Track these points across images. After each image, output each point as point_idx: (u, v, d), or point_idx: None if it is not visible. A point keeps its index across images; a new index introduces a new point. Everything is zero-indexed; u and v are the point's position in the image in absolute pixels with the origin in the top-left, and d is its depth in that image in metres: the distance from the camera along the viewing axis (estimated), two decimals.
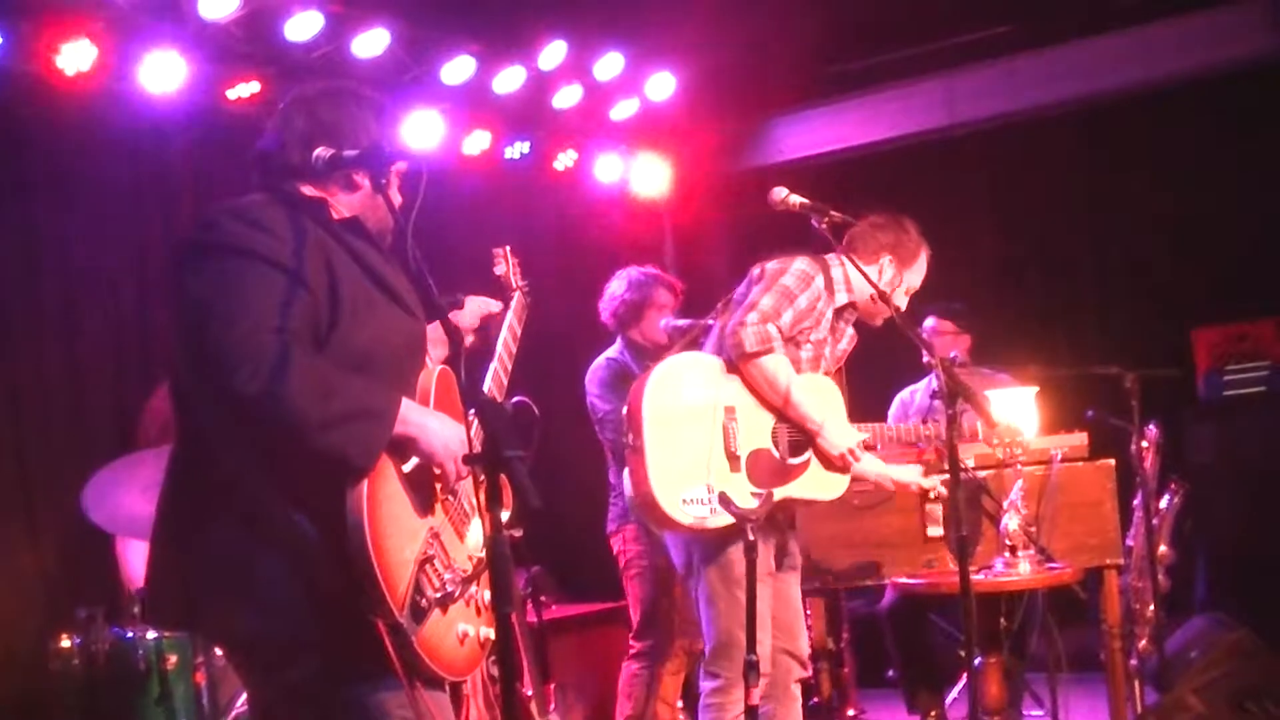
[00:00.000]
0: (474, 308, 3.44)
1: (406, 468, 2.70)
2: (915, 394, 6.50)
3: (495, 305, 3.51)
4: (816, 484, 4.34)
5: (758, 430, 4.27)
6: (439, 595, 2.68)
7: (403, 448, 2.68)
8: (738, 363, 4.26)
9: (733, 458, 4.20)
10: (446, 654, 2.72)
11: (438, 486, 2.79)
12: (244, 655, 2.85)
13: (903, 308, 4.45)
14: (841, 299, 4.44)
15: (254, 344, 2.50)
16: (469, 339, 3.37)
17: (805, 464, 4.32)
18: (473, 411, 2.63)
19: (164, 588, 2.75)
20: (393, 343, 2.78)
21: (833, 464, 4.35)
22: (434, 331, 3.02)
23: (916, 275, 4.57)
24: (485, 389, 3.18)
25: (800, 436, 4.31)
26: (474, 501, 2.82)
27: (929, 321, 6.39)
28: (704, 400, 4.22)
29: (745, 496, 4.13)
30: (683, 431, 4.17)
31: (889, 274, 4.48)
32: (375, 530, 2.54)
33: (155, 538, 2.76)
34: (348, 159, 2.77)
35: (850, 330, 4.57)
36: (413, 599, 2.61)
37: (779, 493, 4.22)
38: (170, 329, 2.77)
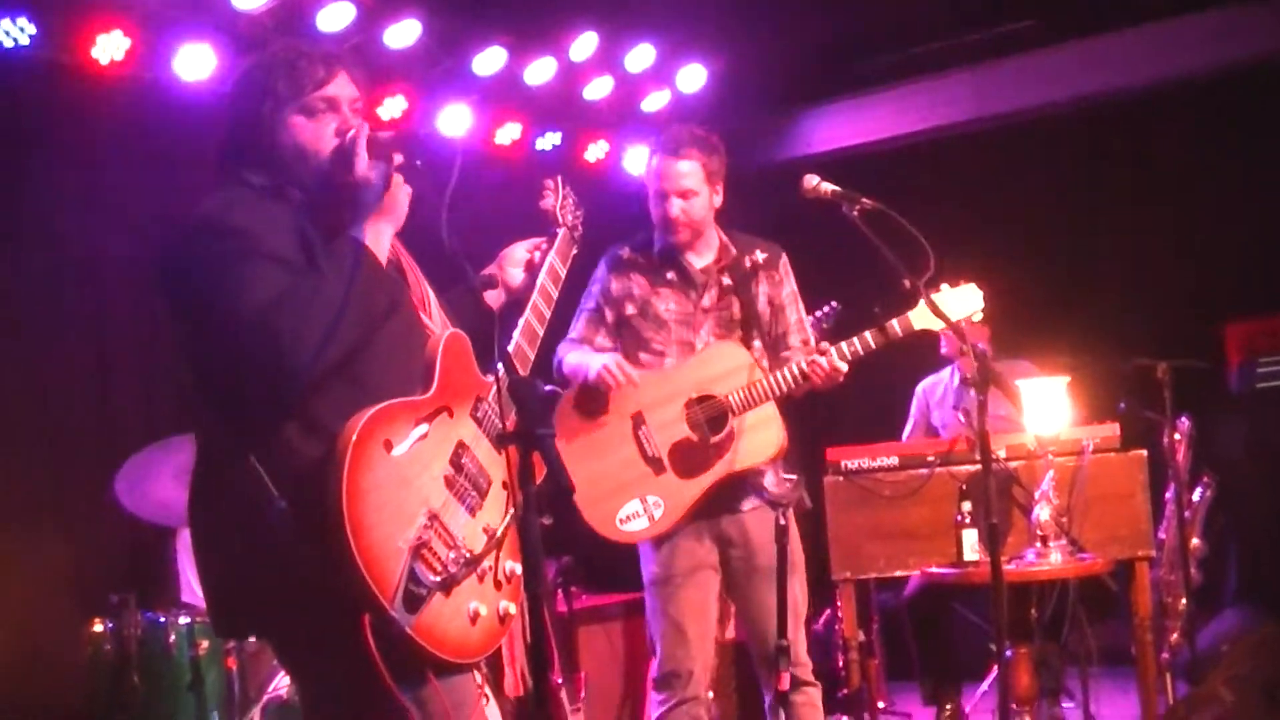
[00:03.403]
0: (523, 246, 3.36)
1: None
2: (939, 385, 6.46)
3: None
4: (750, 450, 4.21)
5: (671, 423, 4.21)
6: (440, 579, 2.61)
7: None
8: None
9: (654, 462, 4.18)
10: (454, 637, 2.65)
11: (444, 458, 2.70)
12: (278, 649, 2.88)
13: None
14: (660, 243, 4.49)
15: (267, 310, 2.53)
16: (518, 275, 3.28)
17: (730, 435, 4.19)
18: (501, 373, 2.59)
19: (214, 596, 2.75)
20: (373, 305, 2.70)
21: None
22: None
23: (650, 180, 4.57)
24: (514, 343, 3.05)
25: (716, 411, 4.20)
26: (489, 475, 2.77)
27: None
28: (609, 419, 4.23)
29: (680, 494, 4.14)
30: (596, 456, 4.19)
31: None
32: (356, 523, 2.48)
33: (193, 545, 2.75)
34: (383, 140, 2.75)
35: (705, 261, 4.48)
36: (406, 588, 2.54)
37: (713, 474, 4.17)
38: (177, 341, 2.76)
